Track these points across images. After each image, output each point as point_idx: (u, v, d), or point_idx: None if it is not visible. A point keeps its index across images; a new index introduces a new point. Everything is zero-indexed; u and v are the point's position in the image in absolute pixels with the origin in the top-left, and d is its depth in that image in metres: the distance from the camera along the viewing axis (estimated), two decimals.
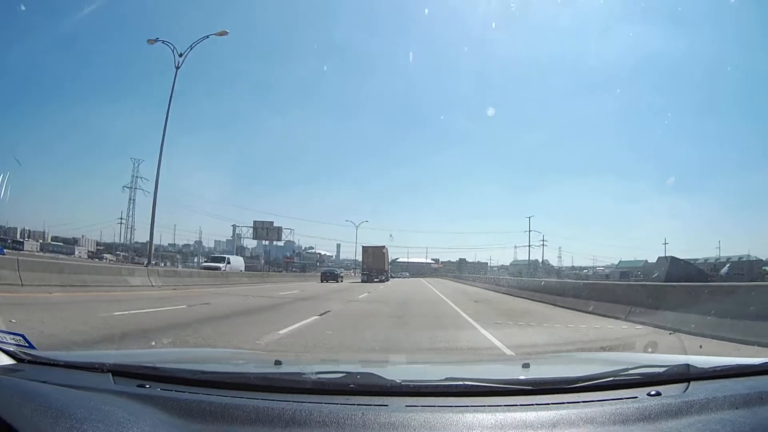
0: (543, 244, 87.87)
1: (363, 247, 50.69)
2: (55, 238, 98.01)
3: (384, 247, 49.89)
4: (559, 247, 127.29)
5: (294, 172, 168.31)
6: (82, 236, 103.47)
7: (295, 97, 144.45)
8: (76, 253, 70.40)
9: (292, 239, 57.74)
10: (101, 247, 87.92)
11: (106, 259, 67.62)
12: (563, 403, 1.41)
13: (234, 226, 57.02)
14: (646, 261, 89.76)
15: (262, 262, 76.80)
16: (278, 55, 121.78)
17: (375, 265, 46.39)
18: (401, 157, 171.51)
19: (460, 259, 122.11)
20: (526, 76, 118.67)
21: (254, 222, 61.21)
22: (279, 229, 61.24)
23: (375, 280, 42.22)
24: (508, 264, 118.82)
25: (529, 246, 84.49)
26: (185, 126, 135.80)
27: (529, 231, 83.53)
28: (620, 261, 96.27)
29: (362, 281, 41.66)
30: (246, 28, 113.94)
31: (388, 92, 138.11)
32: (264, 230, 60.06)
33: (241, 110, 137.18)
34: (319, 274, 44.53)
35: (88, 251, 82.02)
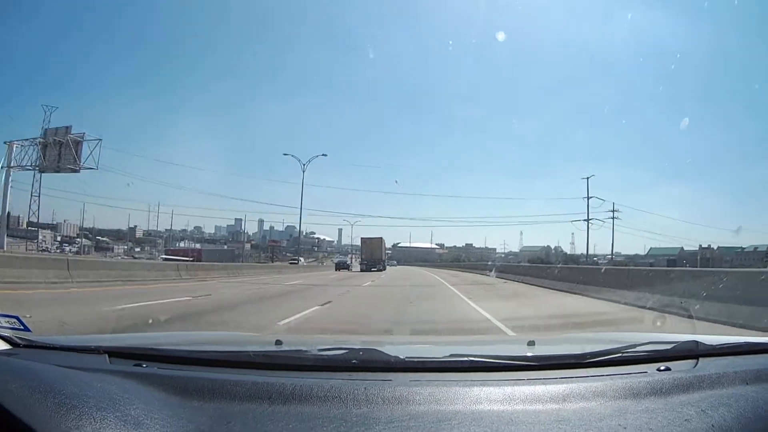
0: (613, 218, 54.48)
1: (362, 238, 53.82)
2: (30, 224, 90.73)
3: (381, 238, 53.27)
4: (572, 233, 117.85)
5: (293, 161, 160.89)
6: (64, 221, 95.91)
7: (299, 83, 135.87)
8: (40, 237, 62.37)
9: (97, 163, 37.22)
10: (86, 231, 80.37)
11: (71, 247, 59.79)
12: (572, 377, 1.40)
13: (8, 145, 35.43)
14: (682, 248, 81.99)
15: (248, 247, 67.08)
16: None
17: (373, 255, 49.17)
18: (403, 144, 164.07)
19: (466, 244, 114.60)
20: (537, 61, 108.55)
21: (44, 132, 35.63)
22: (78, 143, 36.54)
23: (373, 269, 44.28)
24: (517, 250, 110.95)
25: (588, 220, 53.52)
26: (185, 116, 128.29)
27: (588, 197, 52.76)
28: (650, 248, 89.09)
29: (361, 270, 44.06)
30: None
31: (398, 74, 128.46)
32: (55, 147, 35.51)
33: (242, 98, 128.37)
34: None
35: (62, 236, 74.59)
